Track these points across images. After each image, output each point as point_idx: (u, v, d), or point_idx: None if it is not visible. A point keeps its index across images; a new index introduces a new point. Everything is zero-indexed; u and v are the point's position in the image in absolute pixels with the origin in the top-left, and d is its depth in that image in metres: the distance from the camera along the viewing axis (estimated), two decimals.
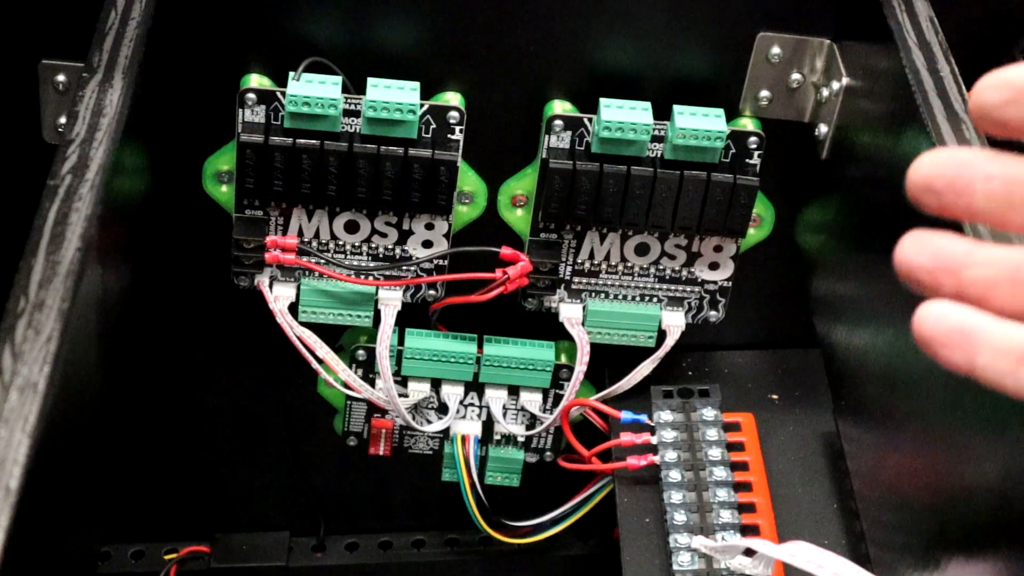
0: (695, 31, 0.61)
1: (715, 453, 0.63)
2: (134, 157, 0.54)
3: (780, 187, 0.64)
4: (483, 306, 0.64)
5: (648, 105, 0.60)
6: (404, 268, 0.64)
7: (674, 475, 0.62)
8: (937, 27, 0.56)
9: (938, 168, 0.34)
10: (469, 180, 0.63)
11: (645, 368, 0.66)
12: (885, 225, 0.55)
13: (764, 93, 0.62)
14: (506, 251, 0.63)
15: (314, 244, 0.63)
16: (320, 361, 0.64)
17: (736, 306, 0.66)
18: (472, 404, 0.68)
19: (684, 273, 0.65)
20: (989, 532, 0.45)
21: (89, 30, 0.54)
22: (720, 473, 0.62)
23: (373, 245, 0.63)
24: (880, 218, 0.56)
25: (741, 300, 0.66)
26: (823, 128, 0.61)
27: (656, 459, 0.63)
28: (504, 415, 0.68)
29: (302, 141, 0.59)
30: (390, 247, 0.63)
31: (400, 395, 0.66)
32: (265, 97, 0.59)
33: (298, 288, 0.64)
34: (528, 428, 0.69)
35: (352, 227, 0.63)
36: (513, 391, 0.68)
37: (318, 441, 0.72)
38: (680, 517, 0.61)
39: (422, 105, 0.59)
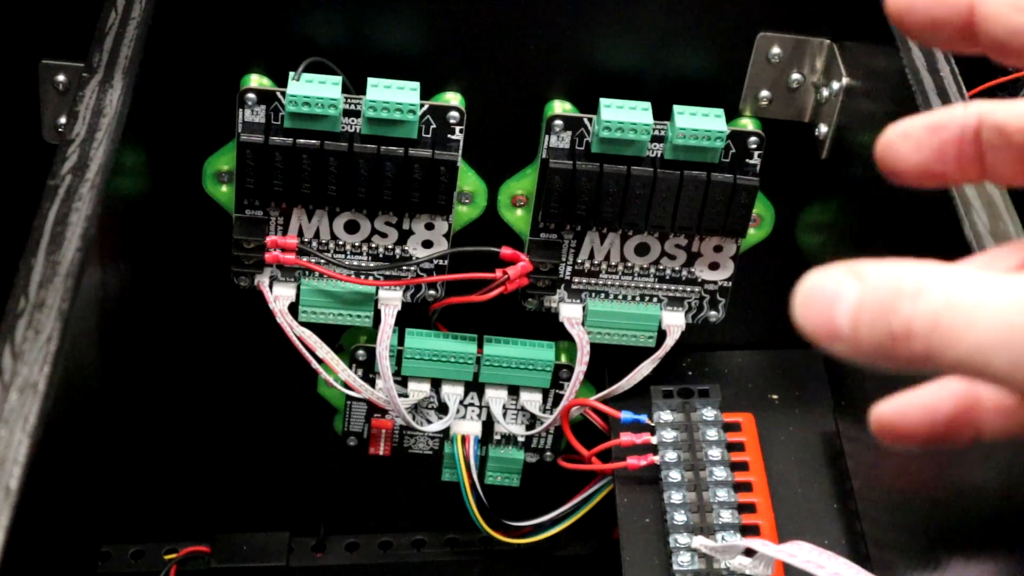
0: (695, 31, 0.61)
1: (715, 453, 0.63)
2: (134, 157, 0.54)
3: (780, 187, 0.64)
4: (483, 306, 0.64)
5: (648, 105, 0.60)
6: (404, 268, 0.64)
7: (674, 475, 0.62)
8: None
9: None
10: (469, 180, 0.63)
11: (645, 368, 0.66)
12: (885, 225, 0.55)
13: (764, 93, 0.62)
14: (506, 251, 0.63)
15: (314, 244, 0.63)
16: (320, 361, 0.64)
17: (736, 306, 0.66)
18: (472, 404, 0.68)
19: (684, 273, 0.65)
20: (989, 532, 0.45)
21: (89, 30, 0.54)
22: (720, 473, 0.62)
23: (373, 245, 0.63)
24: (880, 218, 0.56)
25: (741, 300, 0.66)
26: (823, 128, 0.61)
27: (656, 459, 0.63)
28: (504, 415, 0.68)
29: (302, 141, 0.59)
30: (390, 247, 0.63)
31: (400, 395, 0.66)
32: (265, 97, 0.59)
33: (298, 288, 0.64)
34: (528, 428, 0.69)
35: (352, 227, 0.63)
36: (513, 391, 0.68)
37: (318, 441, 0.72)
38: (680, 517, 0.61)
39: (422, 105, 0.59)
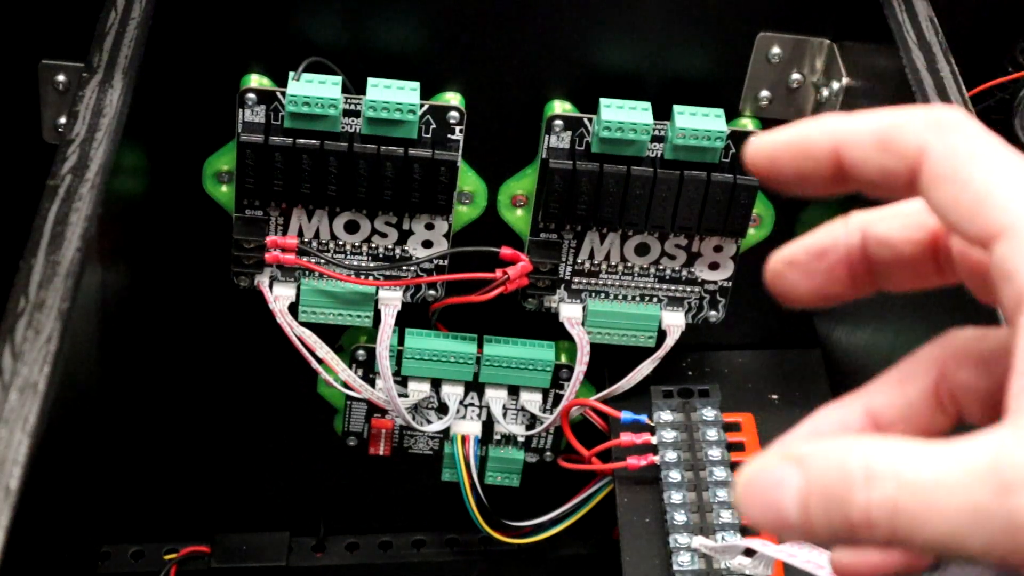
0: (695, 31, 0.61)
1: (715, 453, 0.63)
2: (134, 157, 0.54)
3: None
4: (483, 306, 0.64)
5: (648, 105, 0.60)
6: (404, 268, 0.64)
7: (674, 475, 0.62)
8: (937, 27, 0.56)
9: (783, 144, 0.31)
10: (469, 180, 0.63)
11: (645, 368, 0.66)
12: None
13: (764, 93, 0.62)
14: (506, 251, 0.63)
15: (314, 244, 0.63)
16: (320, 361, 0.64)
17: (736, 306, 0.66)
18: (472, 404, 0.68)
19: (684, 273, 0.65)
20: None
21: (89, 30, 0.54)
22: (720, 473, 0.62)
23: (373, 245, 0.63)
24: None
25: (741, 300, 0.66)
26: None
27: (656, 459, 0.63)
28: (504, 415, 0.68)
29: (302, 141, 0.59)
30: (390, 247, 0.63)
31: (400, 395, 0.66)
32: (265, 97, 0.59)
33: (298, 288, 0.64)
34: (528, 428, 0.69)
35: (352, 227, 0.63)
36: (513, 391, 0.68)
37: (318, 441, 0.72)
38: (680, 517, 0.61)
39: (422, 105, 0.59)
